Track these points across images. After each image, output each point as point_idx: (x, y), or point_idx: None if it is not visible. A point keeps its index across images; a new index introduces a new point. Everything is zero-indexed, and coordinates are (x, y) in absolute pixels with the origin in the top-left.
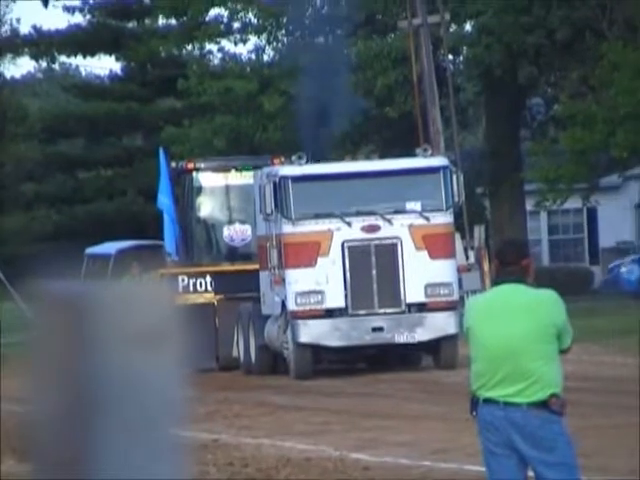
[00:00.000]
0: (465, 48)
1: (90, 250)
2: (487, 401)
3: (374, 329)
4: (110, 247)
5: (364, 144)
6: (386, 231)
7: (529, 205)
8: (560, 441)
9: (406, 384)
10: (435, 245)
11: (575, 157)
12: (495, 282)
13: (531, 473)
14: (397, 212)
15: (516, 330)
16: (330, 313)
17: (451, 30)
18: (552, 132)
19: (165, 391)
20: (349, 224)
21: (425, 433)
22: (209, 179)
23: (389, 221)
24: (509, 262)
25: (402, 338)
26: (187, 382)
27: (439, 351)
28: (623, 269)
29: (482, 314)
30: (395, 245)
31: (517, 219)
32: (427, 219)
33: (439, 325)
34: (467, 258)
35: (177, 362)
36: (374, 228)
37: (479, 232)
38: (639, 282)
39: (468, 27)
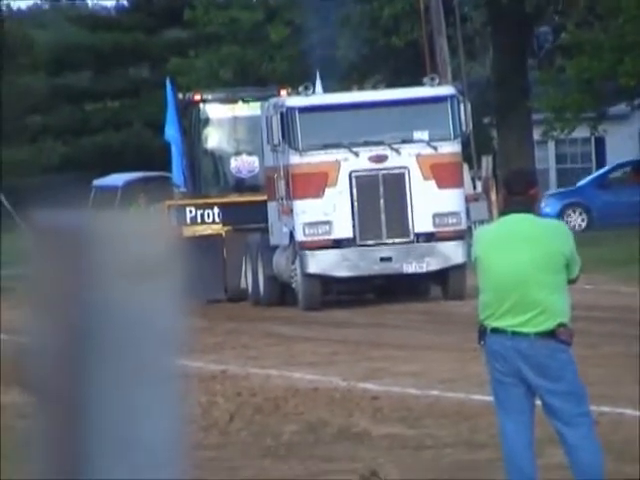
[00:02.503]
0: None
1: (97, 182)
2: (495, 331)
3: (382, 259)
4: (117, 179)
5: (371, 74)
6: (394, 161)
7: (536, 134)
8: (568, 370)
9: (414, 315)
10: (443, 174)
11: (582, 86)
12: (503, 212)
13: (539, 402)
14: (405, 142)
15: (524, 260)
16: (338, 243)
17: None
18: (559, 61)
19: (164, 323)
20: (356, 154)
21: (433, 363)
22: (216, 110)
23: (397, 151)
24: (517, 192)
25: (410, 268)
26: (187, 313)
27: (447, 281)
28: (542, 204)
29: (490, 244)
30: (403, 175)
31: (525, 149)
32: (435, 148)
33: (447, 254)
34: (475, 188)
35: (176, 293)
36: (381, 158)
37: (487, 162)
38: (558, 216)
39: None
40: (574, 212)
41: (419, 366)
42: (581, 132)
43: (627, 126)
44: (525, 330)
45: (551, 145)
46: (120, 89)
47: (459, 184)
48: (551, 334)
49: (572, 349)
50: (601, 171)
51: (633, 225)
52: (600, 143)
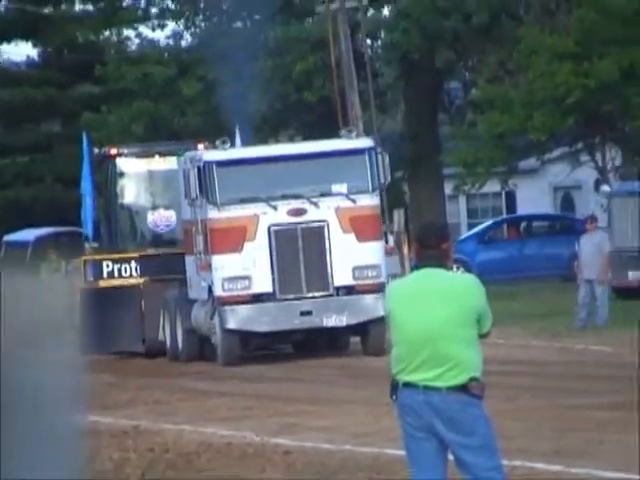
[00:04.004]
0: (383, 32)
1: (8, 237)
2: (407, 385)
3: (302, 313)
4: (28, 234)
5: (284, 129)
6: (313, 214)
7: (448, 189)
8: (480, 424)
9: (332, 369)
10: (362, 227)
11: (493, 141)
12: (415, 266)
13: (451, 457)
14: (323, 195)
15: (436, 315)
16: (258, 298)
17: (369, 14)
18: (470, 116)
19: (61, 381)
20: (275, 208)
21: (347, 418)
22: (133, 165)
23: (315, 204)
24: (429, 246)
25: (330, 322)
26: (88, 371)
27: (367, 334)
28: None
29: (403, 298)
30: (322, 228)
31: (436, 203)
32: (353, 201)
33: (367, 308)
34: (387, 242)
35: (73, 352)
36: (300, 211)
37: (398, 216)
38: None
39: (386, 11)
40: (454, 268)
41: (333, 421)
42: (492, 186)
43: (537, 180)
44: (437, 384)
45: (462, 199)
46: (31, 144)
47: (378, 237)
48: (463, 388)
49: (486, 403)
50: (481, 227)
51: (512, 281)
52: (511, 197)
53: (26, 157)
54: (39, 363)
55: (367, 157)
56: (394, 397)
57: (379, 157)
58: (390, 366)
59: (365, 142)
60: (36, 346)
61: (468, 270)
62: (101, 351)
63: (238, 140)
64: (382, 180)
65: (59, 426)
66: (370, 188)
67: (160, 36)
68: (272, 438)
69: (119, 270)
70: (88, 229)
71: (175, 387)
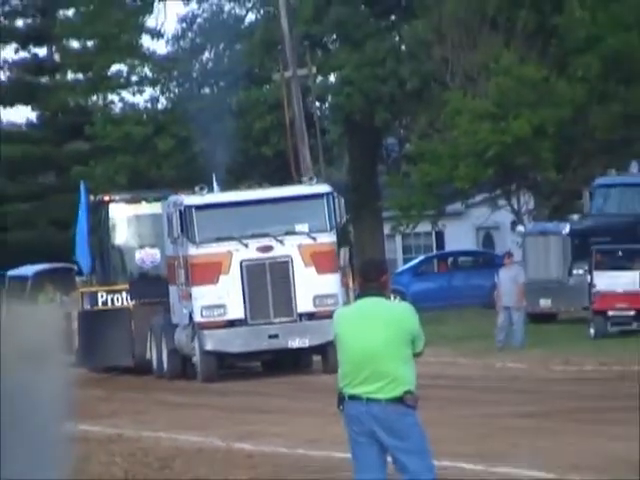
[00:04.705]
0: (330, 96)
1: (11, 273)
2: (352, 397)
3: (270, 336)
4: (28, 269)
5: (245, 179)
6: (279, 250)
7: (386, 229)
8: (414, 431)
9: (292, 385)
10: (321, 261)
11: (424, 188)
12: (359, 295)
13: (390, 458)
14: (288, 233)
15: (377, 337)
16: (232, 323)
17: (317, 81)
18: (404, 167)
19: (52, 397)
20: (246, 245)
21: (301, 426)
22: (123, 209)
23: (281, 242)
24: (370, 279)
25: (295, 343)
26: (74, 386)
27: (327, 354)
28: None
29: (348, 323)
30: (287, 263)
31: (376, 241)
32: (314, 239)
33: (326, 331)
34: None
35: (62, 372)
36: (268, 248)
37: (344, 253)
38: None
39: (332, 78)
40: (392, 297)
41: (289, 428)
42: (424, 227)
43: (462, 221)
44: (378, 397)
45: (399, 238)
46: (29, 193)
47: (335, 270)
48: (400, 400)
49: (419, 412)
50: (414, 262)
51: (442, 308)
52: (440, 236)
53: (26, 204)
54: (35, 378)
55: (325, 201)
56: (341, 408)
57: (336, 201)
58: (337, 381)
59: (323, 188)
60: (33, 363)
61: (404, 299)
62: (96, 365)
63: (216, 186)
64: (339, 220)
65: (52, 433)
66: (328, 227)
67: (139, 100)
68: (236, 443)
69: (112, 300)
70: (83, 265)
71: (155, 400)
